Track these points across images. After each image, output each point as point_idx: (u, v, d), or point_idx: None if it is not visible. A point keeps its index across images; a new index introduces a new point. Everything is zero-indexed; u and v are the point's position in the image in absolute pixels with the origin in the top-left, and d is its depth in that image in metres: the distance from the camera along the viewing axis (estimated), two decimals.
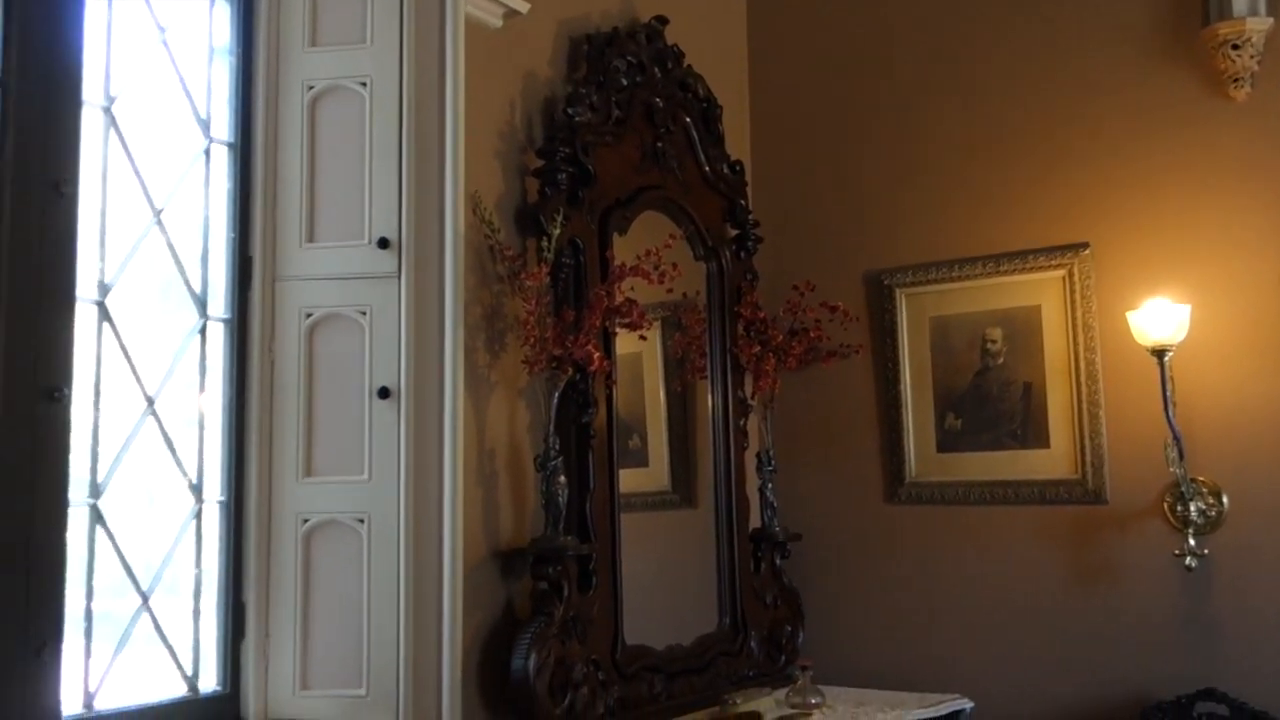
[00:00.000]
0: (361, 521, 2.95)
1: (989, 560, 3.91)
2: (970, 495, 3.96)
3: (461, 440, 2.99)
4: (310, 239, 3.05)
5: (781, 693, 3.59)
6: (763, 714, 3.27)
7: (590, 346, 3.05)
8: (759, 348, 3.93)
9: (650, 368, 3.98)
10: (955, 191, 4.08)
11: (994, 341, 3.98)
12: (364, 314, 3.01)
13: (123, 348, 2.76)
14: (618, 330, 3.31)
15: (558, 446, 3.11)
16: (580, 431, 3.25)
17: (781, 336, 3.96)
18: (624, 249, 3.45)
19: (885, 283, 4.19)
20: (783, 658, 3.91)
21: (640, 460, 3.82)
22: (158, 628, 2.79)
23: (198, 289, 2.97)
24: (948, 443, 4.03)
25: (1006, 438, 3.92)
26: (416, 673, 2.89)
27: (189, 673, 2.85)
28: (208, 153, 3.02)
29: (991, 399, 3.97)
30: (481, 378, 3.13)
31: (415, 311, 3.00)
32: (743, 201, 4.13)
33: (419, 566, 2.93)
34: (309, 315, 3.03)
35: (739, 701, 3.37)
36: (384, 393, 2.96)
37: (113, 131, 2.78)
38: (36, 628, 2.51)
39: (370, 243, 3.01)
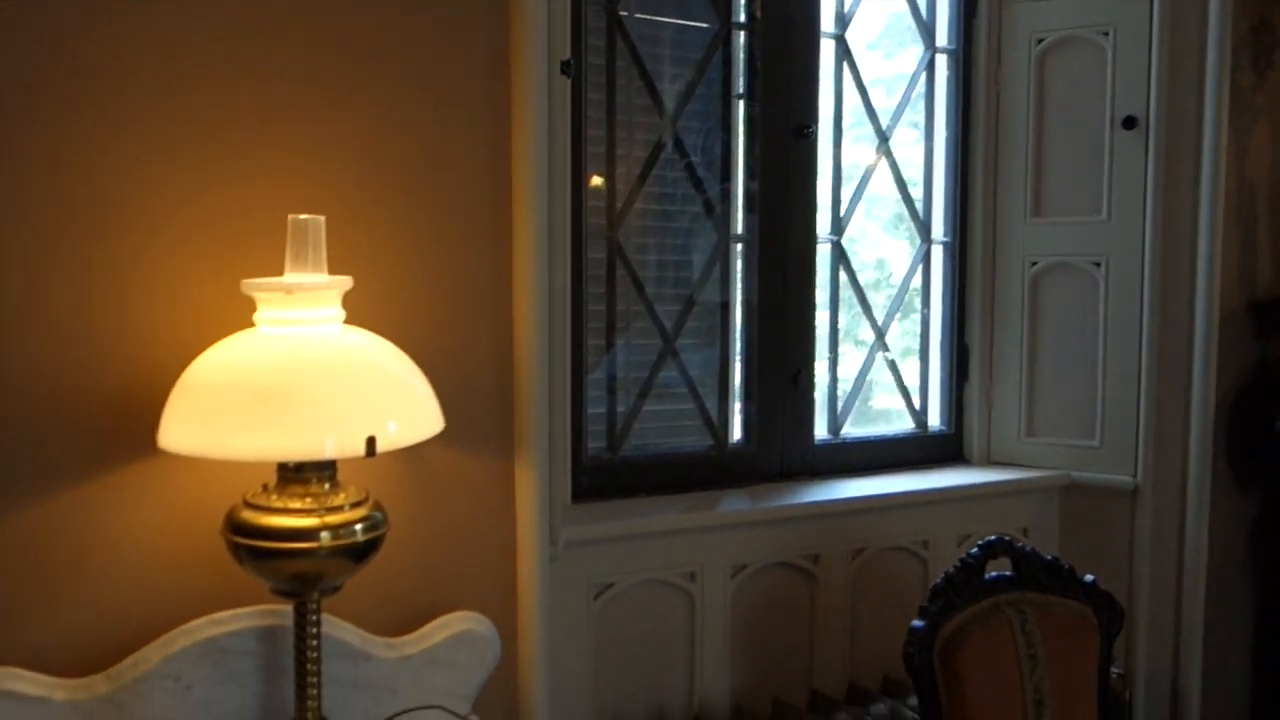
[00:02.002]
0: (1097, 265, 2.73)
1: None
2: None
3: (1222, 175, 2.62)
4: None
5: None
6: None
7: None
8: None
9: None
10: None
11: None
12: (1105, 34, 2.69)
13: (859, 84, 2.73)
14: None
15: None
16: None
17: None
18: None
19: None
20: None
21: None
22: (890, 364, 2.84)
23: (925, 18, 2.83)
24: None
25: None
26: (1158, 429, 2.69)
27: (917, 409, 2.88)
28: None
29: None
30: (1243, 102, 2.70)
31: (1169, 28, 2.62)
32: None
33: (1164, 315, 2.67)
34: (1040, 40, 2.77)
35: None
36: (1129, 122, 2.66)
37: None
38: (792, 355, 2.65)
39: None
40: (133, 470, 1.66)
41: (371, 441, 1.43)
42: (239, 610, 1.71)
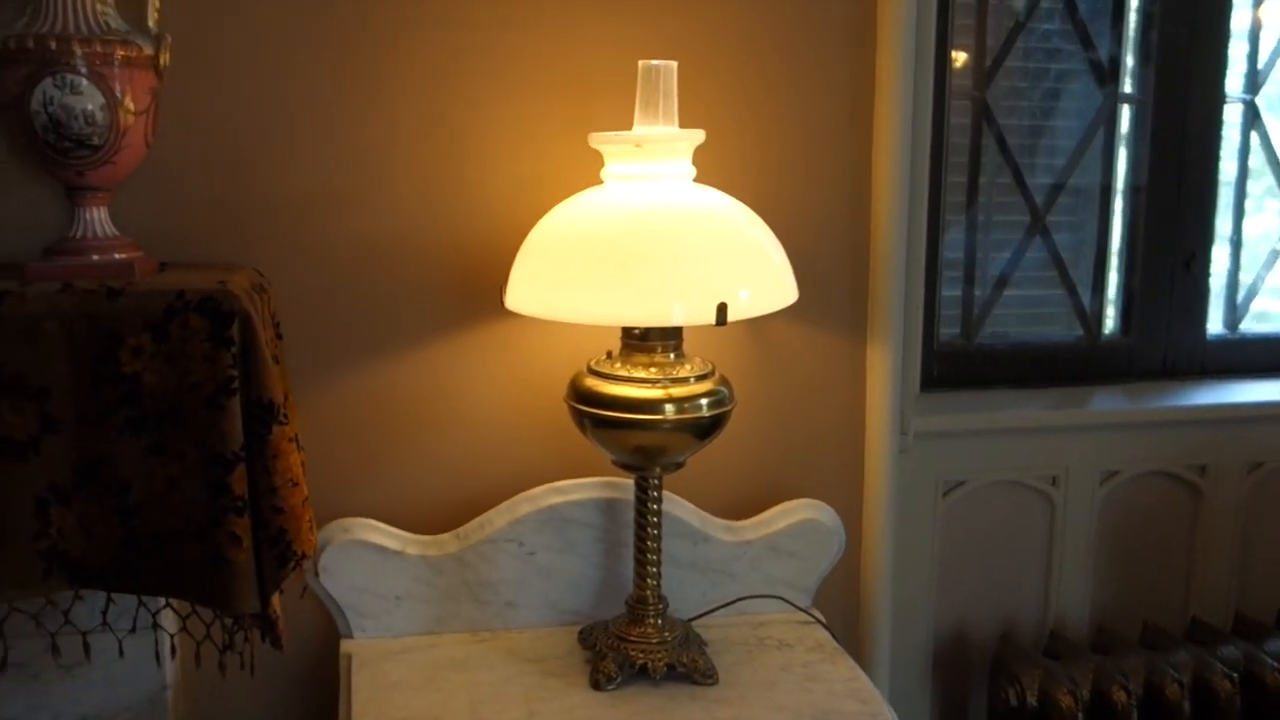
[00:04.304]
0: None
1: None
2: None
3: None
4: None
5: None
6: None
7: None
8: None
9: None
10: None
11: None
12: None
13: None
14: None
15: None
16: None
17: None
18: None
19: None
20: None
21: None
22: None
23: None
24: None
25: None
26: None
27: None
28: None
29: None
30: None
31: None
32: None
33: None
34: None
35: None
36: None
37: None
38: (1187, 236, 2.29)
39: None
40: (482, 332, 1.65)
41: (723, 309, 1.31)
42: (580, 480, 1.68)
